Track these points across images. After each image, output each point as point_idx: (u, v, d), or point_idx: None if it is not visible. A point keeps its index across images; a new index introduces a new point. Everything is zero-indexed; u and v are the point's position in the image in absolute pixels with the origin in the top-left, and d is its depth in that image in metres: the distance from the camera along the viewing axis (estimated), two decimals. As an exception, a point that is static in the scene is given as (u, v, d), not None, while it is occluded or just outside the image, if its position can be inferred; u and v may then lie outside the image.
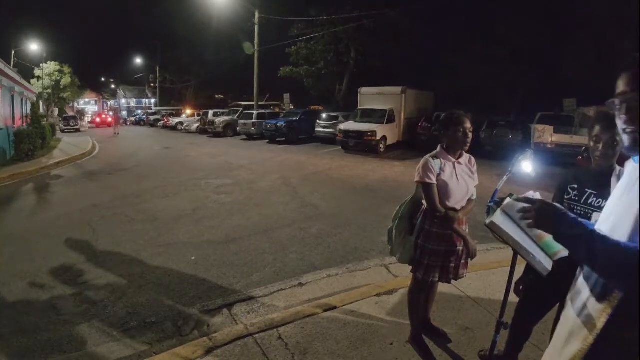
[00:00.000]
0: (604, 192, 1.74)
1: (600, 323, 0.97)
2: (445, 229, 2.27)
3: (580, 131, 11.20)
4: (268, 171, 10.04)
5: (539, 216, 1.09)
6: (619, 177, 1.72)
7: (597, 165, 1.81)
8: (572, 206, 1.87)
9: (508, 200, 1.48)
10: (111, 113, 50.68)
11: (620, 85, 1.01)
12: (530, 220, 1.12)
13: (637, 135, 0.97)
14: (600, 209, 1.74)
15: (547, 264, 1.36)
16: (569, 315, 1.11)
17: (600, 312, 0.98)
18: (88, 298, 3.39)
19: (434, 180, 2.23)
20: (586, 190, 1.83)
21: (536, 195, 1.41)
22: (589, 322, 1.00)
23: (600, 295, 1.00)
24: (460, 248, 2.33)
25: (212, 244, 4.73)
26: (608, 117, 1.72)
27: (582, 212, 1.80)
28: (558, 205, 1.09)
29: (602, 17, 15.70)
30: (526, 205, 1.17)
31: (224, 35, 29.88)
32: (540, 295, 2.03)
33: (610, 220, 1.06)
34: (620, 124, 1.02)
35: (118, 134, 24.04)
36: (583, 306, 1.05)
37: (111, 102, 61.61)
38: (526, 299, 2.12)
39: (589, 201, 1.81)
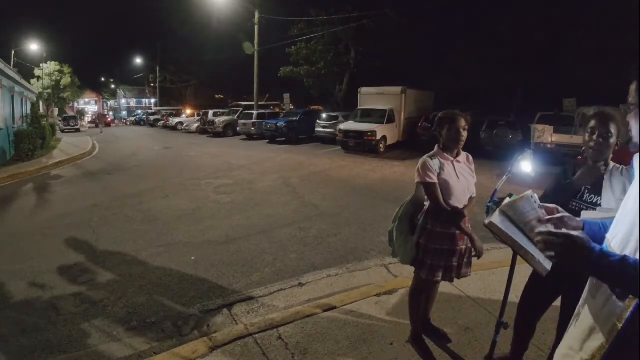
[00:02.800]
0: (597, 187, 1.82)
1: (622, 319, 1.00)
2: (450, 228, 2.27)
3: (581, 131, 11.20)
4: (268, 171, 10.04)
5: (565, 254, 1.08)
6: (611, 174, 1.80)
7: (592, 158, 1.86)
8: (568, 201, 1.90)
9: (507, 200, 1.48)
10: (111, 113, 51.01)
11: (631, 95, 1.06)
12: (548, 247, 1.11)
13: None
14: (593, 204, 1.80)
15: (547, 265, 1.36)
16: (590, 311, 1.12)
17: (622, 310, 1.00)
18: (88, 298, 3.39)
19: (435, 180, 2.23)
20: (582, 185, 1.88)
21: (534, 198, 1.38)
22: (611, 319, 1.03)
23: (622, 294, 1.02)
24: (463, 247, 2.33)
25: (212, 244, 4.73)
26: (604, 113, 1.81)
27: (577, 208, 1.84)
28: (584, 239, 1.05)
29: (602, 17, 15.70)
30: (524, 209, 1.20)
31: (224, 35, 29.89)
32: (542, 288, 2.05)
33: (622, 230, 1.08)
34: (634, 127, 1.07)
35: (102, 132, 26.94)
36: (605, 303, 1.07)
37: (111, 102, 61.66)
38: (528, 293, 2.15)
39: (584, 197, 1.85)
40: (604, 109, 1.85)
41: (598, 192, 1.81)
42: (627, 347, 1.00)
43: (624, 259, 0.96)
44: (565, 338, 1.22)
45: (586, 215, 1.64)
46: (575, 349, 1.13)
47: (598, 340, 1.06)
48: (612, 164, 1.85)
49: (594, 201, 1.81)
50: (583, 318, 1.15)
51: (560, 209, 1.34)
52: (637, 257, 0.98)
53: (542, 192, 2.05)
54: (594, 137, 1.81)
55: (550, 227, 1.32)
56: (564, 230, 1.12)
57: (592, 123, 1.83)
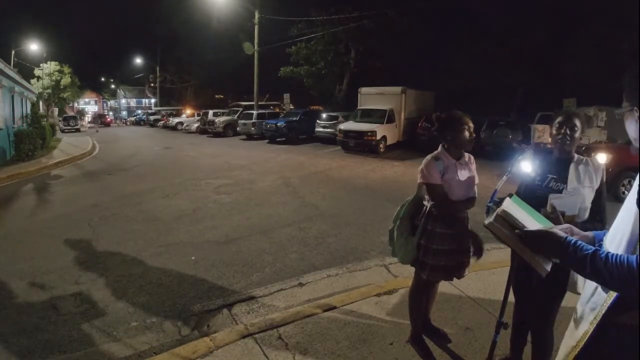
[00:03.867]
0: (563, 176, 1.99)
1: (604, 309, 1.09)
2: (450, 228, 2.27)
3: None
4: (268, 171, 10.04)
5: (545, 246, 1.22)
6: (577, 164, 1.98)
7: (561, 150, 2.03)
8: (536, 189, 2.06)
9: (506, 201, 1.48)
10: (111, 113, 51.22)
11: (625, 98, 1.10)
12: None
13: None
14: (557, 191, 1.97)
15: (546, 265, 1.36)
16: (582, 301, 1.23)
17: (604, 300, 1.09)
18: (88, 298, 3.39)
19: (439, 181, 2.22)
20: (547, 175, 2.05)
21: (506, 200, 1.48)
22: (595, 308, 1.13)
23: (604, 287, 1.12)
24: (464, 247, 2.33)
25: (212, 244, 4.73)
26: (569, 111, 2.09)
27: (544, 195, 1.97)
28: (559, 233, 1.18)
29: (602, 17, 15.70)
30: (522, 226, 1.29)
31: (224, 35, 29.93)
32: (518, 284, 2.18)
33: (618, 230, 1.14)
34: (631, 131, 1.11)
35: (97, 131, 28.50)
36: (592, 294, 1.16)
37: (111, 102, 61.69)
38: (514, 288, 2.20)
39: (550, 185, 2.02)
40: (569, 110, 2.10)
41: (563, 180, 1.98)
42: (606, 336, 1.09)
43: (595, 252, 1.04)
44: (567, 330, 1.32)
45: (553, 198, 1.84)
46: (569, 336, 1.24)
47: (583, 328, 1.16)
48: (576, 155, 2.03)
49: (560, 188, 1.98)
50: (577, 308, 1.24)
51: (575, 229, 1.37)
52: (620, 252, 1.05)
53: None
54: (562, 130, 1.99)
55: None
56: (543, 228, 1.27)
57: (560, 119, 2.03)
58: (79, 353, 2.65)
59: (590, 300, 1.16)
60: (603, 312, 1.09)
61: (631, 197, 1.09)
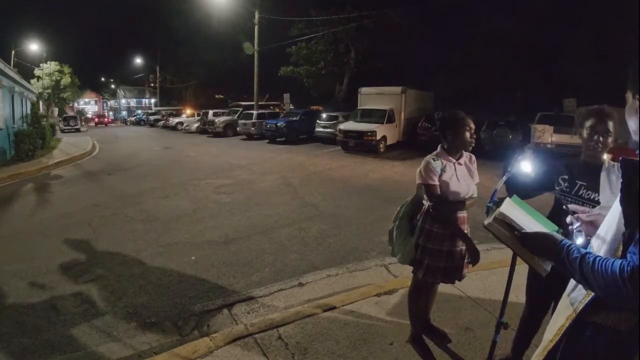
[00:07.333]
0: (594, 184, 1.80)
1: (582, 305, 1.12)
2: (447, 229, 2.27)
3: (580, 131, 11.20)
4: (268, 171, 10.04)
5: (539, 247, 1.22)
6: (608, 171, 1.80)
7: (591, 156, 1.86)
8: (564, 196, 1.90)
9: (506, 202, 1.48)
10: (111, 113, 51.34)
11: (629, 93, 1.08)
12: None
13: None
14: (589, 200, 1.79)
15: (546, 265, 1.36)
16: (566, 292, 1.25)
17: (583, 297, 1.12)
18: (88, 298, 3.39)
19: (436, 182, 2.22)
20: (577, 181, 1.87)
21: (506, 201, 1.47)
22: (573, 304, 1.16)
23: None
24: (463, 247, 2.32)
25: (212, 244, 4.73)
26: (603, 111, 1.81)
27: (573, 203, 1.82)
28: (555, 235, 1.18)
29: (602, 17, 15.70)
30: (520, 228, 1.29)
31: (224, 35, 29.94)
32: (535, 287, 2.14)
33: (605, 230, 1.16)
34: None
35: (87, 130, 30.74)
36: (572, 289, 1.19)
37: (111, 102, 61.75)
38: (527, 290, 2.19)
39: (580, 192, 1.85)
40: (602, 107, 1.83)
41: (595, 188, 1.80)
42: (582, 334, 1.12)
43: (584, 255, 1.04)
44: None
45: (575, 209, 1.56)
46: (548, 329, 1.26)
47: (560, 322, 1.18)
48: (606, 160, 1.85)
49: (592, 197, 1.80)
50: (562, 299, 1.26)
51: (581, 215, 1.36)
52: (602, 253, 1.07)
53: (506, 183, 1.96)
54: (595, 136, 1.79)
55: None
56: (540, 230, 1.28)
57: (591, 122, 1.81)
58: (79, 353, 2.65)
59: (570, 295, 1.18)
60: (580, 308, 1.11)
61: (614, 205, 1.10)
